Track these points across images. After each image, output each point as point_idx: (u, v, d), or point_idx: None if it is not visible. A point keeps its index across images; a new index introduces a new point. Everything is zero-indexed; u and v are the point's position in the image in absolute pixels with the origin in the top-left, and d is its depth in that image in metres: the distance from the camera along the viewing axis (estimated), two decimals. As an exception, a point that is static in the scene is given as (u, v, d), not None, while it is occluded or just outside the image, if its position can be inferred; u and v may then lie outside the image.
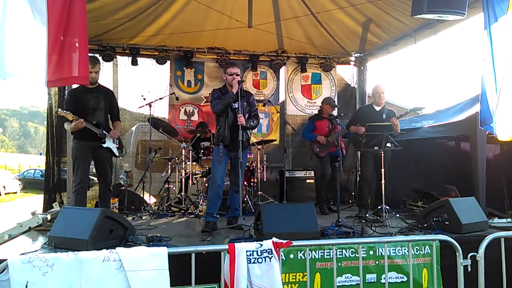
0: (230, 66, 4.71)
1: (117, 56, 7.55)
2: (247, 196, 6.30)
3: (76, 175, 4.84)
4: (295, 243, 2.59)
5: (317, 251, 3.63)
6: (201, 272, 2.66)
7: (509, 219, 5.00)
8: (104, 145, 4.95)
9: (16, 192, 21.66)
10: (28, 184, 23.43)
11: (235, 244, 2.43)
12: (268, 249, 2.46)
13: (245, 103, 4.69)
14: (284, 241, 2.50)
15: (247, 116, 4.74)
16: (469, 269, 2.84)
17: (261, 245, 2.47)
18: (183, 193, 6.20)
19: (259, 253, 2.44)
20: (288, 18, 6.71)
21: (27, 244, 3.93)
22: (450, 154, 6.93)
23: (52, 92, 6.15)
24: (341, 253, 3.66)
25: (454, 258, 3.11)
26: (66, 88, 6.14)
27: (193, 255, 2.34)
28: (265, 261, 2.44)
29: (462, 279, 2.92)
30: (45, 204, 6.24)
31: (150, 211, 5.92)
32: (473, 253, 2.84)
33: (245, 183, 6.55)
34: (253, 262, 2.42)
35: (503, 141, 4.98)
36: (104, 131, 4.93)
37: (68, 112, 4.62)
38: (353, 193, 7.45)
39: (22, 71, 3.38)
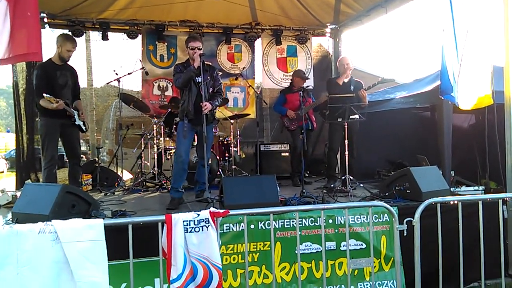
0: (192, 40, 4.59)
1: (89, 31, 7.43)
2: (220, 170, 6.33)
3: (46, 152, 4.84)
4: (232, 212, 2.63)
5: (277, 221, 3.72)
6: (146, 245, 2.71)
7: (476, 187, 5.07)
8: (76, 123, 4.99)
9: (2, 172, 21.49)
10: (15, 163, 22.98)
11: (172, 214, 2.47)
12: (205, 219, 2.51)
13: (208, 77, 4.64)
14: (221, 211, 2.55)
15: (211, 90, 4.70)
16: (405, 234, 2.91)
17: (198, 215, 2.52)
18: (156, 169, 6.22)
19: (196, 223, 2.49)
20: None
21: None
22: (424, 124, 6.93)
23: (18, 68, 6.04)
24: (301, 222, 3.73)
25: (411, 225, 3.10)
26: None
27: (129, 226, 2.38)
28: (202, 230, 2.50)
29: (398, 243, 3.01)
30: (17, 182, 6.24)
31: (124, 187, 5.93)
32: (409, 218, 2.90)
33: (219, 157, 6.57)
34: (190, 232, 2.47)
35: (479, 110, 5.00)
36: (73, 110, 4.95)
37: (50, 96, 4.59)
38: (326, 165, 7.50)
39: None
